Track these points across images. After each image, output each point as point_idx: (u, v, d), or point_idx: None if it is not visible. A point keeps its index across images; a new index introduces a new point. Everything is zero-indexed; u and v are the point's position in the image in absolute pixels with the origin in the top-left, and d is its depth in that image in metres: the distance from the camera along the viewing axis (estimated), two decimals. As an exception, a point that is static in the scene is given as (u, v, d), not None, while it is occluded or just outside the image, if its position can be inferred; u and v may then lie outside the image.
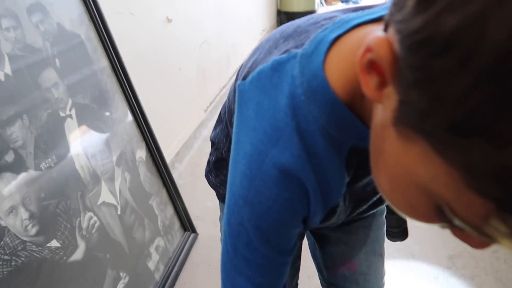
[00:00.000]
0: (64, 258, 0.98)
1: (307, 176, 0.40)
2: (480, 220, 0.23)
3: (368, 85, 0.29)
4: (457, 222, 0.26)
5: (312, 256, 0.82)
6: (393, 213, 0.84)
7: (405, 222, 0.85)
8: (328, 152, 0.40)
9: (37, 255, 0.90)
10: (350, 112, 0.37)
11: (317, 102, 0.37)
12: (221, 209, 0.74)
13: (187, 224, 1.58)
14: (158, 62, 1.88)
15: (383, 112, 0.29)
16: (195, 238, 1.61)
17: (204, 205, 1.77)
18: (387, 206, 0.84)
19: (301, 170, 0.39)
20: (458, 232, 0.30)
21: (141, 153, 1.39)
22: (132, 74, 1.36)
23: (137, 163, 1.35)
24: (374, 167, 0.33)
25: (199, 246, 1.59)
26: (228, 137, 0.62)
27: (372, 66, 0.28)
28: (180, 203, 1.53)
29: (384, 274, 0.78)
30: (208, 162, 0.69)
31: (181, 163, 2.15)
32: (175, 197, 1.50)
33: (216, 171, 0.67)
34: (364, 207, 0.54)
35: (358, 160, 0.43)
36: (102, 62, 1.26)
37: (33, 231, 0.90)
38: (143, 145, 1.40)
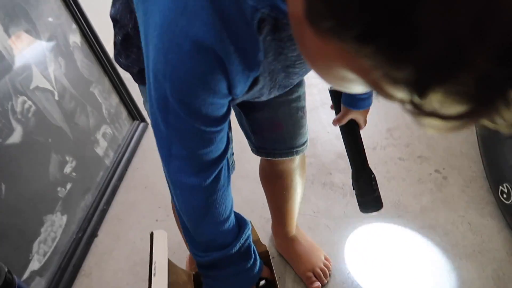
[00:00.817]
0: (0, 140, 0.97)
1: (222, 45, 0.38)
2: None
3: None
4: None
5: (239, 125, 0.83)
6: (359, 180, 0.83)
7: (375, 189, 0.82)
8: (241, 16, 0.38)
9: (-33, 135, 0.89)
10: None
11: None
12: (142, 92, 0.70)
13: (135, 113, 1.58)
14: None
15: (296, 2, 0.28)
16: (145, 127, 1.62)
17: (154, 96, 1.75)
18: (352, 173, 0.83)
19: (215, 39, 0.37)
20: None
21: (75, 38, 1.32)
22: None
23: (71, 49, 1.29)
24: (300, 49, 0.32)
25: (150, 135, 1.61)
26: (132, 12, 0.57)
27: None
28: (125, 91, 1.51)
29: (307, 128, 0.82)
30: (115, 44, 0.64)
31: (129, 57, 2.07)
32: (118, 86, 1.48)
33: (126, 51, 0.63)
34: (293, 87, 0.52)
35: (270, 31, 0.41)
36: None
37: (-44, 110, 0.87)
38: (76, 29, 1.33)
